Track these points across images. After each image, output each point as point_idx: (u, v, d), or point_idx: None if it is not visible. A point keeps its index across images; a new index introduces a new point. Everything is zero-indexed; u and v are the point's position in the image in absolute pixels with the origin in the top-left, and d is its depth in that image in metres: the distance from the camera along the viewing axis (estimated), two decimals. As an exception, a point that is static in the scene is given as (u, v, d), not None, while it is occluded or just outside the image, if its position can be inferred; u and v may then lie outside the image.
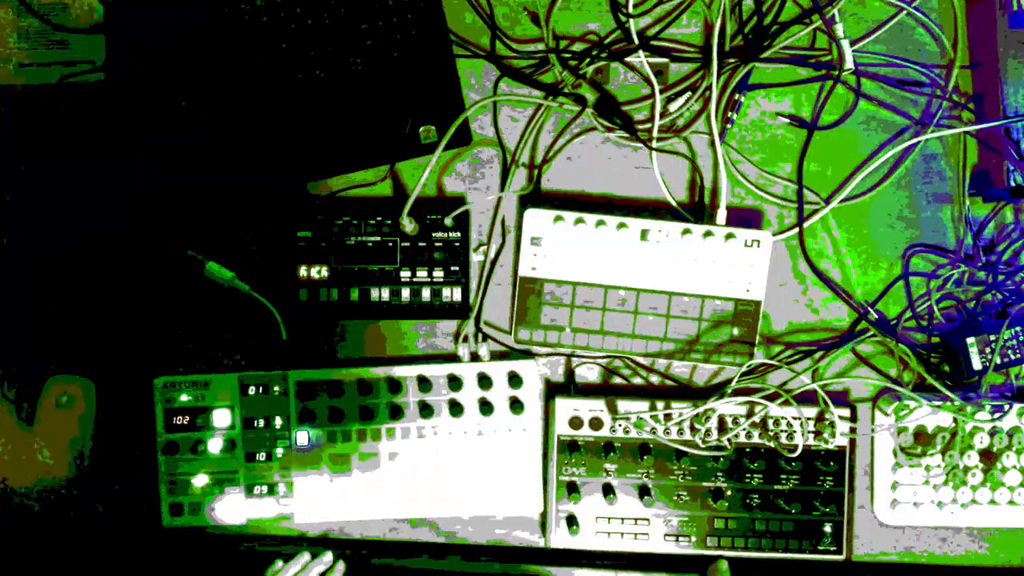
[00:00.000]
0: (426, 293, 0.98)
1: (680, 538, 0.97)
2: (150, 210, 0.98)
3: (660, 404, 0.97)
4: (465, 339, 0.98)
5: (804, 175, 1.00)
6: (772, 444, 0.97)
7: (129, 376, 0.98)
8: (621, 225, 0.96)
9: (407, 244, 0.98)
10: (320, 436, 0.97)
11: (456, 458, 0.98)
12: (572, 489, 0.97)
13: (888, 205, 1.01)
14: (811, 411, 0.97)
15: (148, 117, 0.96)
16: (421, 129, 0.97)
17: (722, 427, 0.97)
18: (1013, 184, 0.96)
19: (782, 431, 0.97)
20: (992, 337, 0.95)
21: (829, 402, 0.96)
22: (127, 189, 0.98)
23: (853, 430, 0.98)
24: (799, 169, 1.00)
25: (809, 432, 0.97)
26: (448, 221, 0.98)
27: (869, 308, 1.00)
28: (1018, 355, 0.96)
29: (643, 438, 0.97)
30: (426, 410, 0.97)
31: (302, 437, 0.97)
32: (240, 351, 1.00)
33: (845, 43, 0.97)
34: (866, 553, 1.01)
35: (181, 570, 1.00)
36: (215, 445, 0.97)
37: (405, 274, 0.98)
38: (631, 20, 0.99)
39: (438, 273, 0.98)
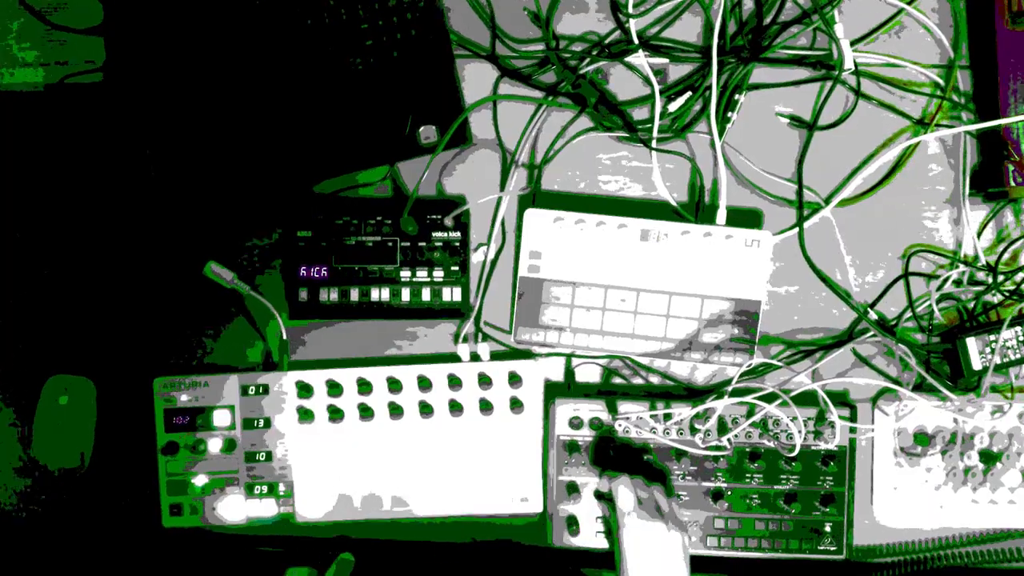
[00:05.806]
0: (426, 293, 0.98)
1: (680, 538, 0.97)
2: (150, 210, 0.98)
3: (660, 404, 0.97)
4: (465, 339, 0.99)
5: (804, 175, 0.99)
6: (772, 444, 0.97)
7: (129, 376, 0.99)
8: (621, 225, 0.96)
9: (407, 244, 0.98)
10: (320, 436, 0.97)
11: (456, 458, 0.98)
12: (572, 489, 0.97)
13: (888, 205, 1.01)
14: (811, 411, 0.97)
15: (147, 118, 0.96)
16: (421, 129, 0.97)
17: (722, 427, 0.97)
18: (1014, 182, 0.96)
19: (782, 431, 0.97)
20: (992, 337, 0.95)
21: (829, 402, 0.96)
22: (127, 189, 0.98)
23: (853, 430, 0.98)
24: (799, 169, 0.99)
25: (809, 432, 0.97)
26: (448, 221, 0.98)
27: (869, 308, 1.00)
28: (1018, 355, 0.96)
29: (643, 438, 0.97)
30: (426, 410, 0.97)
31: (302, 437, 0.97)
32: (239, 351, 1.00)
33: (845, 43, 0.97)
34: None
35: (181, 570, 1.00)
36: (215, 445, 0.97)
37: (405, 274, 0.98)
38: (631, 20, 0.99)
39: (438, 273, 0.98)
